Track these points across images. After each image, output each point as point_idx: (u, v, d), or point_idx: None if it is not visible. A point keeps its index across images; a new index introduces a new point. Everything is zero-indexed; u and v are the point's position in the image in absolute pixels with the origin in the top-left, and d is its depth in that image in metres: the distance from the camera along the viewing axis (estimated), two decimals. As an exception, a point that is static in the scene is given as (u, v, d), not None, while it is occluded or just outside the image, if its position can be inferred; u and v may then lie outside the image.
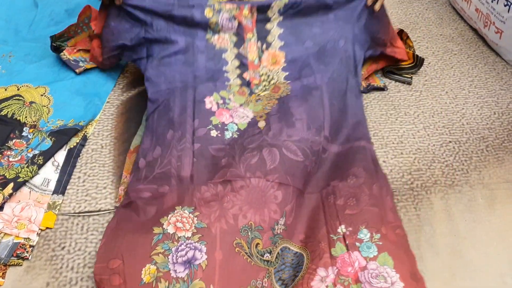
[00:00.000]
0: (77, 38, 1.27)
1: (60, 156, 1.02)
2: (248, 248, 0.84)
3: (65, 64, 1.22)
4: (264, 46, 1.16)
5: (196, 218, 0.85)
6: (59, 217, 0.92)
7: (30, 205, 0.92)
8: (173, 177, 0.94)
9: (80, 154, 1.05)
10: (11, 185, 0.92)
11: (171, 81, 1.10)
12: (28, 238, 0.87)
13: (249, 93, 1.13)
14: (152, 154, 0.99)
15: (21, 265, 0.85)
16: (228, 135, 1.03)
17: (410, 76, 1.31)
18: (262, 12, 1.15)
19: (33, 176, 0.96)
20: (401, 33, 1.38)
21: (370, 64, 1.28)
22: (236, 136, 1.03)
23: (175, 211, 0.86)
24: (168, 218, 0.85)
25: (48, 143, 1.02)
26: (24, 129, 1.05)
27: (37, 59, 1.24)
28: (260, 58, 1.16)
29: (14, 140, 1.03)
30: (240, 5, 1.14)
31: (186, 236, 0.82)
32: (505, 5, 1.33)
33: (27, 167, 0.96)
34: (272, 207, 0.90)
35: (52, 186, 0.96)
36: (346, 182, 0.94)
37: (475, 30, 1.53)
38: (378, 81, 1.30)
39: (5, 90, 1.14)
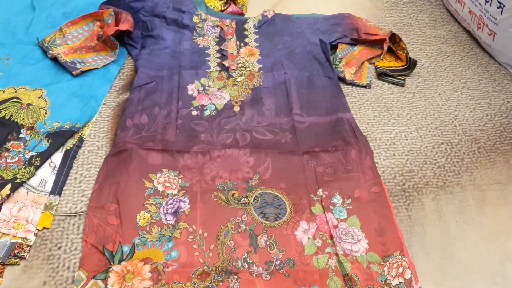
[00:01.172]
0: (81, 41, 1.31)
1: (57, 158, 1.03)
2: (225, 197, 0.96)
3: (61, 66, 1.23)
4: (242, 44, 1.37)
5: (180, 180, 0.99)
6: (56, 218, 0.94)
7: (27, 205, 0.93)
8: (157, 139, 1.07)
9: (77, 156, 1.06)
10: (9, 186, 0.93)
11: (159, 69, 1.27)
12: (26, 238, 0.89)
13: (227, 77, 1.27)
14: (139, 118, 1.12)
15: (18, 265, 0.86)
16: (206, 113, 1.16)
17: (403, 78, 1.33)
18: (240, 25, 1.42)
19: (30, 177, 0.97)
20: (393, 36, 1.39)
21: (350, 58, 1.36)
22: (214, 114, 1.16)
23: (163, 173, 0.99)
24: (157, 177, 0.98)
25: (45, 144, 1.03)
26: (22, 131, 1.07)
27: (34, 62, 1.25)
28: (238, 51, 1.34)
29: (11, 142, 1.04)
30: (222, 19, 1.42)
31: (173, 194, 0.96)
32: (498, 7, 1.34)
33: (24, 168, 0.98)
34: (245, 170, 1.03)
35: (49, 187, 0.97)
36: (327, 152, 1.06)
37: (468, 32, 1.54)
38: (365, 78, 1.32)
39: (3, 92, 1.16)
